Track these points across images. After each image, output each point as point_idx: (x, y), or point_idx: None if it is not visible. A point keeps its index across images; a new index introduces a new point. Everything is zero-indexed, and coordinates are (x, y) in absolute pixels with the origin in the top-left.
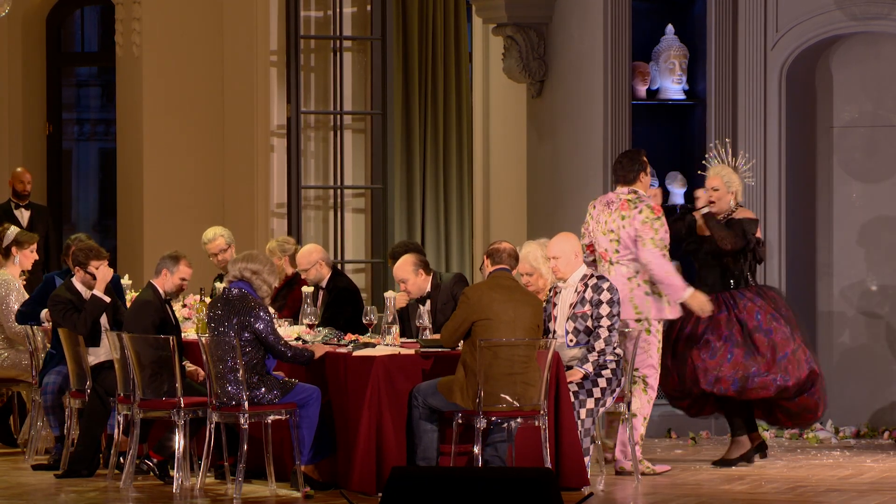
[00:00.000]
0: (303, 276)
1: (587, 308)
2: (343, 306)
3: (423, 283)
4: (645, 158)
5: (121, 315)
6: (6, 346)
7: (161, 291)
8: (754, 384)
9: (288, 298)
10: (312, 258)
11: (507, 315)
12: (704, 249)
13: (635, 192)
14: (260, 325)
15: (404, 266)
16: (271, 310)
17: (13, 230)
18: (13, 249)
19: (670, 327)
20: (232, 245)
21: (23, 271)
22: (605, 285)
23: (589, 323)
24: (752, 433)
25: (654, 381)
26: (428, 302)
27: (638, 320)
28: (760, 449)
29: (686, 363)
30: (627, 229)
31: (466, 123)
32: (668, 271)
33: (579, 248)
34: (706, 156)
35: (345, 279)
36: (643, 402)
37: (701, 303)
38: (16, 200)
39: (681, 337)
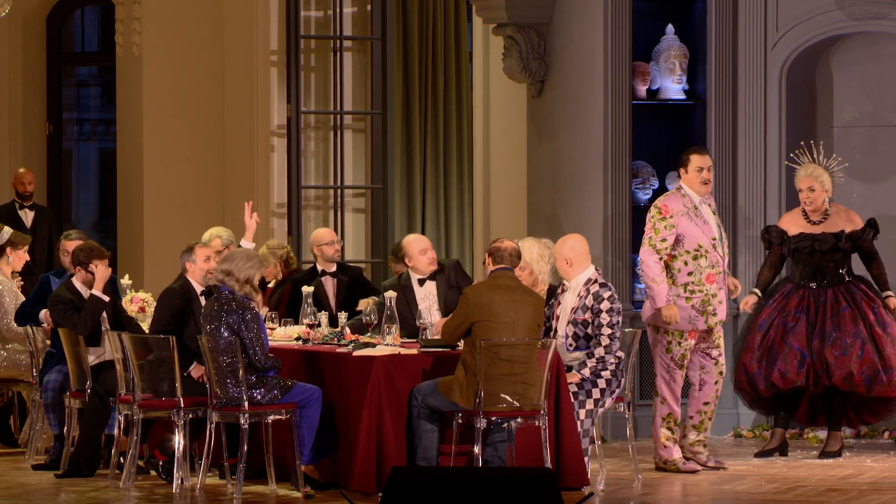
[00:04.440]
0: (336, 250)
1: (587, 315)
2: (361, 288)
3: (434, 263)
4: (686, 156)
5: (121, 315)
6: (0, 345)
7: (194, 283)
8: (882, 381)
9: (284, 296)
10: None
11: (507, 316)
12: (815, 248)
13: (680, 187)
14: (241, 326)
15: (426, 240)
16: (265, 310)
17: (6, 231)
18: (7, 250)
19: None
20: (230, 246)
21: (13, 272)
22: (607, 294)
23: (589, 329)
24: (833, 431)
25: (660, 382)
26: (428, 283)
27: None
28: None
29: (816, 361)
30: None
31: (466, 123)
32: (653, 277)
33: (574, 253)
34: (791, 155)
35: (348, 266)
36: (656, 403)
37: (671, 315)
38: (20, 201)
39: (780, 329)
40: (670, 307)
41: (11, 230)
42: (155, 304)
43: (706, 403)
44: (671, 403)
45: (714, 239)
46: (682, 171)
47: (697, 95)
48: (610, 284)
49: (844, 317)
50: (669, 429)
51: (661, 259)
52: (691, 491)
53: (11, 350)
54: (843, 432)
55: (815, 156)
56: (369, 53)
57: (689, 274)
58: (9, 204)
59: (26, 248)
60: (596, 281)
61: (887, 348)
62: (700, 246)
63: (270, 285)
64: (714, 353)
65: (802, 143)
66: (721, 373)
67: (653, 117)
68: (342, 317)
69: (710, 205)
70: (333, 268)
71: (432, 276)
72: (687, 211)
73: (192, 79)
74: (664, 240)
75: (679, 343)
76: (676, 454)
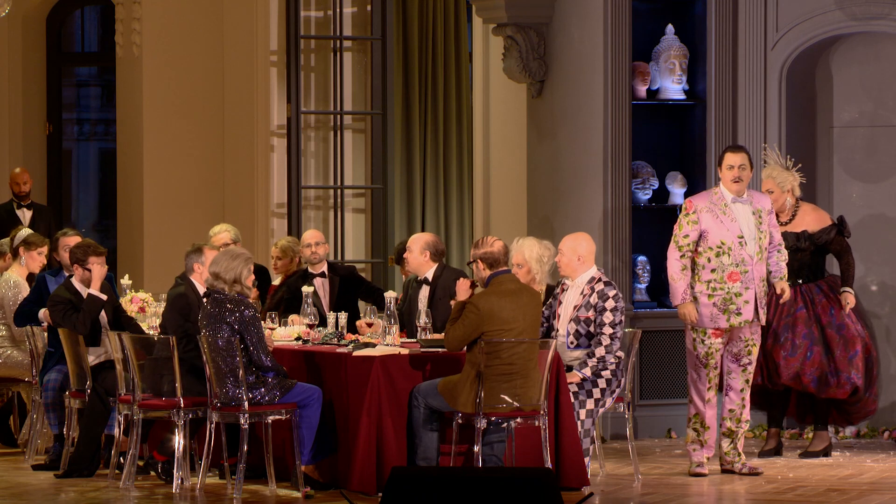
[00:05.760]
0: (312, 252)
1: (591, 313)
2: (355, 285)
3: (421, 266)
4: (721, 154)
5: (121, 315)
6: (12, 344)
7: (198, 285)
8: (831, 384)
9: (281, 298)
10: (322, 238)
11: (517, 322)
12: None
13: (717, 184)
14: (243, 325)
15: (418, 241)
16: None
17: (24, 231)
18: (20, 250)
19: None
20: (237, 243)
21: (30, 274)
22: (612, 293)
23: (591, 328)
24: (818, 431)
25: (688, 380)
26: (425, 288)
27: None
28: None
29: (768, 360)
30: None
31: (466, 123)
32: (671, 274)
33: (587, 252)
34: (762, 156)
35: (339, 265)
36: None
37: (686, 313)
38: (17, 200)
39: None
40: (685, 305)
41: (30, 231)
42: (160, 306)
43: (731, 411)
44: (697, 403)
45: (741, 237)
46: (718, 169)
47: (697, 95)
48: (614, 283)
49: (798, 317)
50: (695, 430)
51: (683, 256)
52: (691, 491)
53: (19, 350)
54: (827, 432)
55: (777, 156)
56: (369, 53)
57: (713, 271)
58: (7, 203)
59: (42, 249)
60: (600, 280)
61: (837, 351)
62: (723, 243)
63: (276, 282)
64: (744, 360)
65: (765, 144)
66: (747, 381)
67: (653, 117)
68: (340, 317)
69: (751, 203)
70: (320, 269)
71: (425, 281)
72: (713, 208)
73: (192, 79)
74: (686, 236)
75: (703, 341)
76: (695, 457)
